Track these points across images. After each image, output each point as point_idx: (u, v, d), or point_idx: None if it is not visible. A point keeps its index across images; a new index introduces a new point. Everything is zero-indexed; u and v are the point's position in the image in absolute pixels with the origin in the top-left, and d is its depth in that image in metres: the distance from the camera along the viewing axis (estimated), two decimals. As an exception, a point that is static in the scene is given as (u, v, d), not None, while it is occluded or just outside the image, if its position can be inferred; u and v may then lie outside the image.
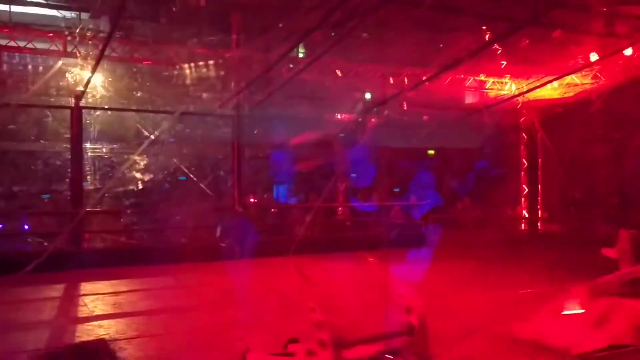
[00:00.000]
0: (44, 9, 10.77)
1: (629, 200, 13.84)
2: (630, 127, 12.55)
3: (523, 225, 16.81)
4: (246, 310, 6.44)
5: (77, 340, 4.68)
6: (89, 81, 10.87)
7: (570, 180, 15.04)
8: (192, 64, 11.31)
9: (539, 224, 16.60)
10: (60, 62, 10.93)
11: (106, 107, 12.19)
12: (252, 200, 13.99)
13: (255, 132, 14.23)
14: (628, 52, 11.68)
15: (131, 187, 13.35)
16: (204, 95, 12.52)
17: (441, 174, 16.17)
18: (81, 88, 11.08)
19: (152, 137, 10.49)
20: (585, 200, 14.55)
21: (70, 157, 11.41)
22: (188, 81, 11.82)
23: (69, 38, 10.54)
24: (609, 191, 13.26)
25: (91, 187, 12.71)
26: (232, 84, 12.15)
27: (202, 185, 13.47)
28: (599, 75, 13.16)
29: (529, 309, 6.48)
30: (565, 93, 14.15)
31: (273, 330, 5.03)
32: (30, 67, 11.38)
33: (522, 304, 7.46)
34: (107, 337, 5.23)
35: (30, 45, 10.44)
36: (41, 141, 12.53)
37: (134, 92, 12.53)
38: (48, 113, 12.33)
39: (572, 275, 9.41)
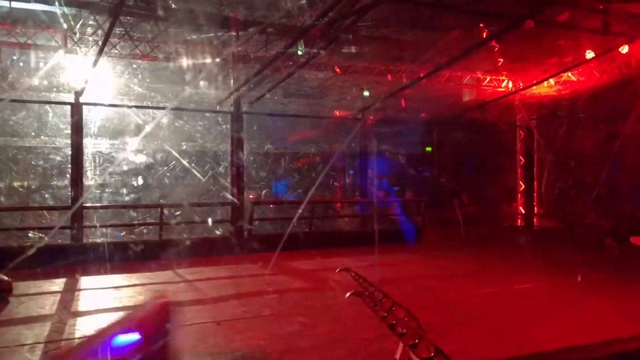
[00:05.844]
0: (44, 5, 10.79)
1: (621, 195, 13.93)
2: (623, 124, 12.68)
3: (519, 221, 16.93)
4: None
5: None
6: (89, 77, 10.96)
7: (564, 176, 15.15)
8: (192, 61, 11.37)
9: (534, 220, 16.71)
10: (60, 59, 10.98)
11: (106, 103, 12.27)
12: (250, 196, 14.07)
13: (254, 128, 14.30)
14: (624, 49, 11.76)
15: (131, 182, 13.43)
16: (204, 91, 12.60)
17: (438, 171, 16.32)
18: (82, 84, 11.17)
19: (148, 129, 10.58)
20: (580, 197, 14.66)
21: (70, 152, 11.51)
22: (187, 78, 11.89)
23: (69, 34, 10.60)
24: (600, 187, 13.37)
25: (91, 183, 12.79)
26: (231, 80, 12.23)
27: (201, 180, 13.55)
28: (595, 72, 13.24)
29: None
30: (561, 90, 14.24)
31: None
32: (30, 63, 11.41)
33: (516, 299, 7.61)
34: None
35: (30, 42, 10.49)
36: (42, 137, 12.59)
37: (134, 88, 12.59)
38: (49, 109, 12.40)
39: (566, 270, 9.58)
